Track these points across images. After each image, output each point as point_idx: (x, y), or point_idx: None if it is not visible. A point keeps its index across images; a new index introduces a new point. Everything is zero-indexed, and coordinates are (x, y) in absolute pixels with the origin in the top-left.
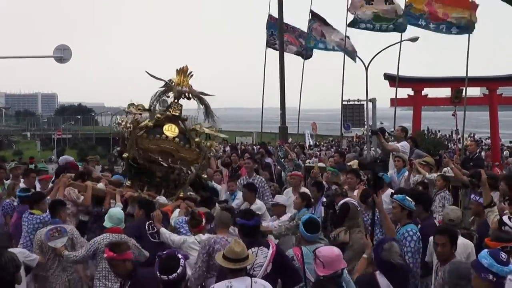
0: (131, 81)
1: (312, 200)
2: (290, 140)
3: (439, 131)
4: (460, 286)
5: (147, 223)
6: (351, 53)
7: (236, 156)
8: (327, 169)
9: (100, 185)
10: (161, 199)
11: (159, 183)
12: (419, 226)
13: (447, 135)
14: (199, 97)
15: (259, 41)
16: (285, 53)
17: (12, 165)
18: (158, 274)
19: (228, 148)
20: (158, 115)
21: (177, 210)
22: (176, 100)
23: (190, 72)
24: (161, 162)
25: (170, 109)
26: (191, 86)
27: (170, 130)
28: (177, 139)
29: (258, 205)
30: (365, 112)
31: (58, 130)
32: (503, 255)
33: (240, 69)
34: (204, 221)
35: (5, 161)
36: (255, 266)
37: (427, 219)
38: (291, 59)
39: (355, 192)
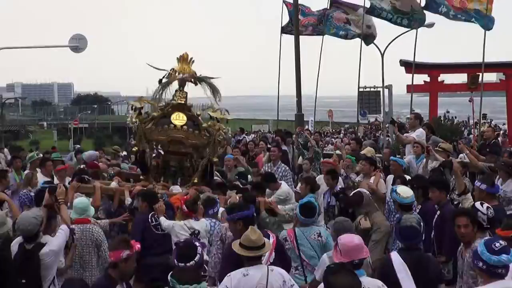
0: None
1: (327, 188)
2: (306, 127)
3: (455, 117)
4: None
5: (150, 215)
6: (369, 37)
7: (253, 145)
8: (346, 157)
9: (113, 184)
10: (175, 188)
11: (175, 172)
12: (438, 212)
13: (464, 121)
14: (203, 79)
15: (276, 27)
16: (301, 39)
17: (34, 156)
18: (176, 262)
19: (244, 136)
20: (161, 105)
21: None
22: (180, 88)
23: (191, 58)
24: (171, 153)
25: (175, 98)
26: (194, 72)
27: (178, 119)
28: (185, 127)
29: (284, 189)
30: (382, 99)
31: (74, 119)
32: (498, 244)
33: (257, 57)
34: (198, 208)
35: (22, 150)
36: None
37: (445, 205)
38: (307, 45)
39: (372, 179)
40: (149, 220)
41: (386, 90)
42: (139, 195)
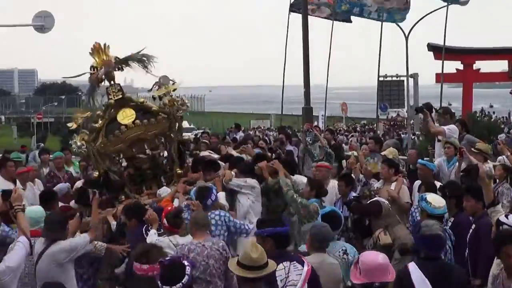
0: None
1: (339, 196)
2: (315, 123)
3: (493, 112)
4: None
5: (143, 229)
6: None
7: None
8: (366, 159)
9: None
10: (163, 192)
11: (153, 175)
12: (473, 226)
13: (504, 117)
14: (128, 59)
15: (284, 3)
16: (312, 21)
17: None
18: (160, 284)
19: (241, 134)
20: (98, 112)
21: (176, 200)
22: (111, 83)
23: (105, 45)
24: (139, 156)
25: (110, 96)
26: (116, 58)
27: (126, 116)
28: (137, 121)
29: (297, 180)
30: (406, 90)
31: (38, 113)
32: None
33: (257, 41)
34: (183, 222)
35: None
36: (287, 284)
37: (481, 217)
38: (318, 27)
39: (392, 186)
40: (144, 234)
41: (411, 80)
42: (123, 214)
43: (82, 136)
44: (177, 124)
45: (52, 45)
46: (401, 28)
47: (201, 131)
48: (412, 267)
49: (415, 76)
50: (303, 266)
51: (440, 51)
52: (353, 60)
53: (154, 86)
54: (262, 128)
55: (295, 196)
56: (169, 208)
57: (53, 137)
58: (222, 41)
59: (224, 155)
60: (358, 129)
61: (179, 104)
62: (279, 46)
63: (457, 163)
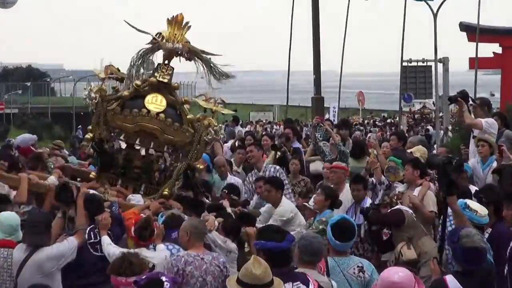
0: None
1: (353, 201)
2: (327, 116)
3: None
4: None
5: (88, 229)
6: None
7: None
8: (389, 159)
9: (51, 178)
10: (135, 198)
11: (138, 176)
12: None
13: None
14: (199, 55)
15: None
16: None
17: None
18: None
19: (239, 128)
20: (137, 83)
21: (148, 212)
22: (166, 62)
23: (187, 23)
24: (139, 147)
25: (156, 74)
26: (188, 42)
27: (155, 103)
28: (162, 115)
29: (285, 207)
30: (434, 77)
31: None
32: None
33: (256, 16)
34: (156, 232)
35: None
36: None
37: None
38: (330, 3)
39: (416, 191)
40: (87, 235)
41: (440, 65)
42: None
43: (101, 91)
44: (198, 148)
45: (17, 22)
46: (428, 5)
47: None
48: (450, 280)
49: (445, 61)
50: (308, 286)
51: (474, 32)
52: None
53: (203, 96)
54: (264, 122)
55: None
56: (133, 221)
57: (17, 130)
58: (213, 16)
59: (216, 205)
60: (377, 123)
61: (214, 129)
62: (283, 23)
63: (494, 164)
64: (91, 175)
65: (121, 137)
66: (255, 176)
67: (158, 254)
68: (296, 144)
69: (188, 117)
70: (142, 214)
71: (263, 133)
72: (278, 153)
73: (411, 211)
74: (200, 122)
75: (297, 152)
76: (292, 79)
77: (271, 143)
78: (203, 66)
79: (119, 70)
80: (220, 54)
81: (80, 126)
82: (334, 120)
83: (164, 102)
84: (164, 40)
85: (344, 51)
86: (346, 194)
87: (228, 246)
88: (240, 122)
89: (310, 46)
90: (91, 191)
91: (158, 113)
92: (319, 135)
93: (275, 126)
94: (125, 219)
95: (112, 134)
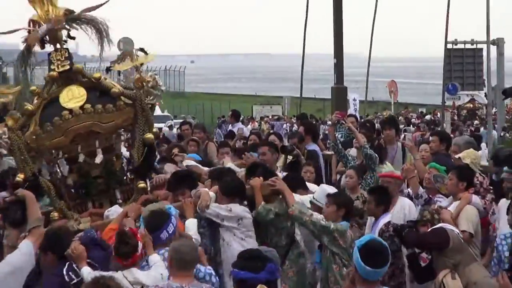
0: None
1: (370, 216)
2: (350, 111)
3: None
4: None
5: (65, 269)
6: None
7: (256, 140)
8: (430, 166)
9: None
10: (113, 213)
11: (106, 186)
12: None
13: None
14: (79, 17)
15: None
16: None
17: None
18: None
19: (240, 126)
20: (33, 88)
21: (129, 221)
22: (56, 47)
23: None
24: (83, 156)
25: (52, 66)
26: (66, 11)
27: (74, 98)
28: (88, 106)
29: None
30: (485, 64)
31: None
32: None
33: None
34: (140, 245)
35: None
36: None
37: None
38: None
39: (452, 205)
40: (66, 277)
41: (493, 48)
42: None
43: (7, 121)
44: (145, 115)
45: None
46: None
47: (180, 120)
48: None
49: (499, 43)
50: None
51: None
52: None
53: (123, 56)
54: (270, 118)
55: (322, 222)
56: (113, 238)
57: None
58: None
59: (214, 170)
60: (414, 120)
61: (150, 85)
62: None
63: None
64: (52, 217)
65: (60, 156)
66: None
67: (152, 273)
68: (312, 146)
69: (113, 91)
70: (125, 226)
71: (270, 131)
72: (289, 157)
73: (457, 230)
74: (133, 87)
75: (312, 156)
76: (308, 64)
77: (281, 144)
78: (93, 30)
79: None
80: (104, 1)
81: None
82: (359, 115)
83: (82, 91)
84: (38, 26)
85: (374, 29)
86: (399, 210)
87: (236, 212)
88: (241, 118)
89: (330, 23)
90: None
91: (82, 107)
92: (340, 135)
93: (284, 124)
94: (106, 240)
95: (53, 156)
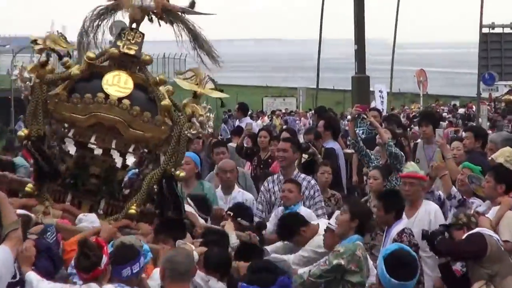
0: None
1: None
2: (373, 104)
3: None
4: None
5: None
6: None
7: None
8: (463, 165)
9: None
10: (88, 218)
11: (97, 188)
12: None
13: None
14: (180, 16)
15: None
16: None
17: None
18: None
19: (248, 121)
20: (90, 55)
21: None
22: (133, 26)
23: None
24: (94, 146)
25: (119, 43)
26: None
27: (117, 85)
28: (127, 101)
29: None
30: None
31: None
32: None
33: None
34: (104, 259)
35: None
36: None
37: None
38: None
39: (491, 211)
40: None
41: None
42: None
43: (39, 69)
44: (177, 147)
45: None
46: None
47: None
48: None
49: None
50: None
51: None
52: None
53: (189, 72)
54: (283, 111)
55: (324, 268)
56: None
57: None
58: None
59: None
60: (445, 114)
61: (199, 120)
62: None
63: None
64: (26, 188)
65: (70, 134)
66: (277, 184)
67: None
68: (330, 144)
69: (162, 103)
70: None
71: (283, 127)
72: (304, 155)
73: (497, 236)
74: (181, 111)
75: (330, 155)
76: (325, 51)
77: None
78: (187, 32)
79: (65, 39)
80: (213, 13)
81: (21, 117)
82: (382, 109)
83: (130, 83)
84: None
85: (399, 12)
86: (423, 215)
87: (212, 287)
88: (250, 112)
89: (350, 5)
90: (20, 211)
91: (120, 99)
92: (361, 131)
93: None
94: (64, 252)
95: (62, 129)
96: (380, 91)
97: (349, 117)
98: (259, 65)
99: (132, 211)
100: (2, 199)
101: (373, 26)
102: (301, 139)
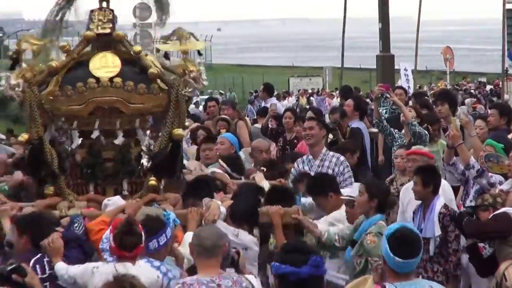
0: None
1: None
2: (399, 83)
3: None
4: None
5: (33, 261)
6: None
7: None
8: (486, 143)
9: None
10: (112, 202)
11: (115, 170)
12: None
13: None
14: None
15: None
16: None
17: None
18: None
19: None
20: (65, 44)
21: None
22: (100, 5)
23: None
24: (97, 133)
25: (91, 25)
26: None
27: (105, 66)
28: (118, 79)
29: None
30: None
31: None
32: None
33: None
34: (143, 236)
35: None
36: None
37: None
38: None
39: None
40: (38, 269)
41: None
42: (14, 222)
43: (23, 72)
44: (178, 107)
45: None
46: None
47: (206, 96)
48: None
49: None
50: None
51: None
52: None
53: (172, 36)
54: (310, 91)
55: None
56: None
57: None
58: None
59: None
60: (472, 91)
61: (193, 76)
62: None
63: None
64: (46, 191)
65: (74, 126)
66: (307, 164)
67: (145, 271)
68: (356, 123)
69: (150, 71)
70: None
71: (308, 106)
72: (330, 136)
73: None
74: (175, 74)
75: (355, 135)
76: (351, 30)
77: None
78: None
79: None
80: None
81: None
82: (409, 87)
83: (117, 61)
84: None
85: None
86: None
87: (243, 240)
88: (276, 93)
89: None
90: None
91: (112, 79)
92: (384, 111)
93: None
94: (92, 232)
95: (65, 124)
96: (405, 69)
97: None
98: (285, 45)
99: (152, 182)
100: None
101: (397, 4)
102: (326, 118)
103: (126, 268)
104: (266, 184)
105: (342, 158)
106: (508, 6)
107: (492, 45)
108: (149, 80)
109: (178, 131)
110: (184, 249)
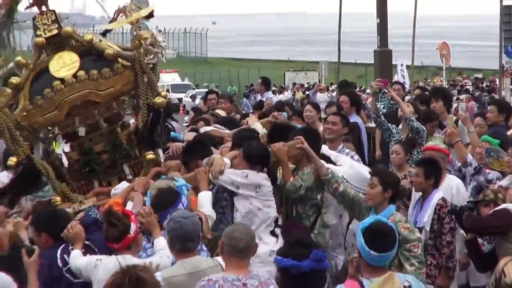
0: None
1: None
2: (396, 78)
3: None
4: None
5: (59, 250)
6: None
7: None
8: (482, 139)
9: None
10: (119, 190)
11: (112, 160)
12: None
13: None
14: None
15: None
16: None
17: None
18: None
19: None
20: (18, 59)
21: (130, 204)
22: (41, 9)
23: None
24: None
25: (38, 32)
26: None
27: (64, 66)
28: (81, 73)
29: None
30: None
31: None
32: None
33: None
34: (133, 227)
35: None
36: None
37: None
38: None
39: None
40: (59, 261)
41: None
42: (30, 223)
43: None
44: (147, 77)
45: None
46: None
47: (205, 89)
48: None
49: None
50: None
51: None
52: None
53: (117, 13)
54: (306, 85)
55: (352, 193)
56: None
57: None
58: None
59: (238, 134)
60: (468, 87)
61: (149, 43)
62: None
63: None
64: (54, 202)
65: (56, 132)
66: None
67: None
68: (353, 118)
69: (106, 52)
70: (129, 201)
71: (306, 101)
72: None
73: None
74: (132, 47)
75: (353, 129)
76: (346, 25)
77: (318, 115)
78: None
79: None
80: None
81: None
82: (404, 83)
83: (74, 57)
84: None
85: None
86: (446, 190)
87: (253, 179)
88: (273, 86)
89: None
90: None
91: (75, 74)
92: (382, 106)
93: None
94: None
95: (47, 136)
96: (402, 65)
97: (368, 90)
98: (281, 40)
99: (150, 156)
100: (32, 277)
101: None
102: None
103: (126, 260)
104: (258, 125)
105: (356, 157)
106: (505, 2)
107: (488, 41)
108: (111, 62)
109: (158, 99)
110: (204, 209)
